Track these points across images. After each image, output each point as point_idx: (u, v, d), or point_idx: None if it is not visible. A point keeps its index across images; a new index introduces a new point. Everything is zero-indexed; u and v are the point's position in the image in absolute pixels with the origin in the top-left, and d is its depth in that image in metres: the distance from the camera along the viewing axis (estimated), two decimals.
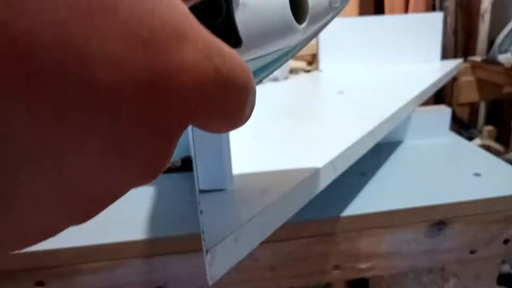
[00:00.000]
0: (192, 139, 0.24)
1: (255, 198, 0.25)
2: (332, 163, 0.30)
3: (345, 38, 0.72)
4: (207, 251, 0.20)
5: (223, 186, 0.25)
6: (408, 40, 0.72)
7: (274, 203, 0.24)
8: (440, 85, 0.61)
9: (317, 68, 0.76)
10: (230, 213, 0.23)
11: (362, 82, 0.63)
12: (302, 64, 1.08)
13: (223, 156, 0.25)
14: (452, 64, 0.71)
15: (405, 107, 0.45)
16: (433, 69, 0.68)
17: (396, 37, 0.72)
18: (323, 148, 0.32)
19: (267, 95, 0.61)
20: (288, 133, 0.39)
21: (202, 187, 0.25)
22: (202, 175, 0.25)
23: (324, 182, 0.30)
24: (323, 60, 0.73)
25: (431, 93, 0.56)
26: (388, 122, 0.40)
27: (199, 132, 0.24)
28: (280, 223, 0.25)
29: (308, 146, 0.34)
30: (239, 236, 0.22)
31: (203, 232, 0.21)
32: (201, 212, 0.23)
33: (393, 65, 0.73)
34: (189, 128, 0.24)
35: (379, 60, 0.73)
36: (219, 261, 0.21)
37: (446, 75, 0.65)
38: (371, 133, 0.36)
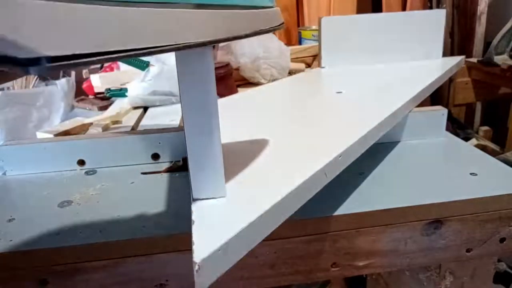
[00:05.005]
0: (187, 150, 0.25)
1: (245, 209, 0.25)
2: (323, 170, 0.31)
3: (348, 35, 0.71)
4: (195, 263, 0.21)
5: (215, 195, 0.26)
6: (411, 37, 0.72)
7: (263, 215, 0.25)
8: (440, 83, 0.61)
9: (318, 65, 0.76)
10: (220, 224, 0.24)
11: (362, 81, 0.63)
12: (301, 66, 1.08)
13: (216, 166, 0.25)
14: (454, 61, 0.70)
15: (401, 108, 0.45)
16: (434, 66, 0.67)
17: (398, 34, 0.72)
18: (315, 155, 0.33)
19: (266, 93, 0.61)
20: (282, 136, 0.39)
21: (196, 195, 0.26)
22: (196, 184, 0.26)
23: (315, 189, 0.30)
24: (325, 57, 0.73)
25: (430, 91, 0.56)
26: (382, 126, 0.41)
27: (194, 143, 0.25)
28: (268, 232, 0.26)
29: (300, 152, 0.34)
30: (227, 248, 0.22)
31: (193, 244, 0.22)
32: (193, 222, 0.24)
33: (395, 62, 0.72)
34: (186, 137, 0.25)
35: (381, 57, 0.72)
36: (207, 272, 0.22)
37: (446, 73, 0.64)
38: (364, 137, 0.37)
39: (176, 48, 0.21)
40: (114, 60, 0.18)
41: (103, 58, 0.17)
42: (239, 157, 0.34)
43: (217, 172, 0.26)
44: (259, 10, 0.27)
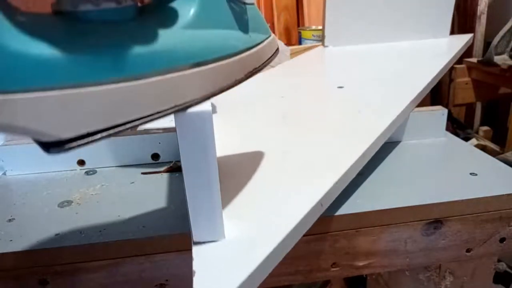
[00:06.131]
0: (187, 199, 0.25)
1: (245, 255, 0.25)
2: (320, 202, 0.31)
3: (352, 13, 0.69)
4: None
5: (215, 238, 0.26)
6: (418, 14, 0.69)
7: (262, 262, 0.25)
8: (447, 68, 0.58)
9: (322, 44, 0.74)
10: (220, 278, 0.24)
11: (365, 68, 0.60)
12: None
13: (215, 214, 0.26)
14: (461, 41, 0.67)
15: (403, 112, 0.45)
16: (441, 49, 0.65)
17: (405, 10, 0.69)
18: (311, 184, 0.32)
19: (263, 86, 0.60)
20: (277, 152, 0.38)
21: (196, 239, 0.26)
22: (196, 229, 0.26)
23: (311, 222, 0.30)
24: (329, 35, 0.71)
25: (435, 83, 0.55)
26: (382, 136, 0.40)
27: (193, 195, 0.25)
28: (267, 274, 0.26)
29: (296, 179, 0.34)
30: None
31: None
32: (194, 273, 0.24)
33: (401, 39, 0.69)
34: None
35: (386, 36, 0.70)
36: None
37: (454, 58, 0.62)
38: (363, 156, 0.36)
39: (176, 110, 0.22)
40: (122, 131, 0.20)
41: (113, 132, 0.19)
42: (235, 183, 0.33)
43: (216, 219, 0.26)
44: (253, 49, 0.27)
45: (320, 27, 1.32)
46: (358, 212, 0.38)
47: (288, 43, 1.56)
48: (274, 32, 1.60)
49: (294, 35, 1.68)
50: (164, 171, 0.49)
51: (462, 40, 0.70)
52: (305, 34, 1.32)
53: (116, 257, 0.36)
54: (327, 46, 0.72)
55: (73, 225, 0.38)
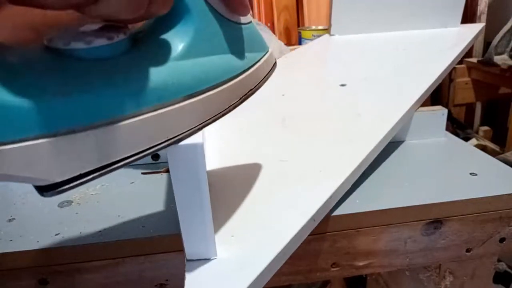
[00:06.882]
0: (180, 220, 0.25)
1: (237, 273, 0.25)
2: (313, 218, 0.31)
3: (358, 1, 0.68)
4: None
5: (207, 256, 0.27)
6: (428, 1, 0.67)
7: (254, 280, 0.25)
8: (456, 61, 0.57)
9: (328, 33, 0.73)
10: None
11: (370, 62, 0.59)
12: None
13: (207, 232, 0.26)
14: (472, 31, 0.64)
15: (406, 114, 0.44)
16: (451, 39, 0.63)
17: None
18: (305, 199, 0.32)
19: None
20: (275, 165, 0.38)
21: (189, 257, 0.27)
22: (188, 249, 0.26)
23: (303, 236, 0.30)
24: (335, 24, 0.69)
25: (441, 80, 0.54)
26: (381, 143, 0.40)
27: (185, 218, 0.25)
28: None
29: (290, 192, 0.34)
30: None
31: None
32: None
33: (410, 28, 0.67)
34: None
35: (394, 24, 0.68)
36: None
37: (464, 50, 0.60)
38: (359, 167, 0.36)
39: (169, 144, 0.22)
40: (114, 169, 0.20)
41: (105, 171, 0.19)
42: (228, 198, 0.33)
43: (208, 240, 0.26)
44: (249, 71, 0.26)
45: (320, 27, 1.32)
46: (358, 212, 0.38)
47: (288, 43, 1.56)
48: (274, 32, 1.60)
49: (294, 35, 1.69)
50: (164, 171, 0.49)
51: (473, 31, 0.67)
52: (305, 34, 1.32)
53: (116, 257, 0.36)
54: (333, 35, 0.70)
55: (73, 225, 0.38)
